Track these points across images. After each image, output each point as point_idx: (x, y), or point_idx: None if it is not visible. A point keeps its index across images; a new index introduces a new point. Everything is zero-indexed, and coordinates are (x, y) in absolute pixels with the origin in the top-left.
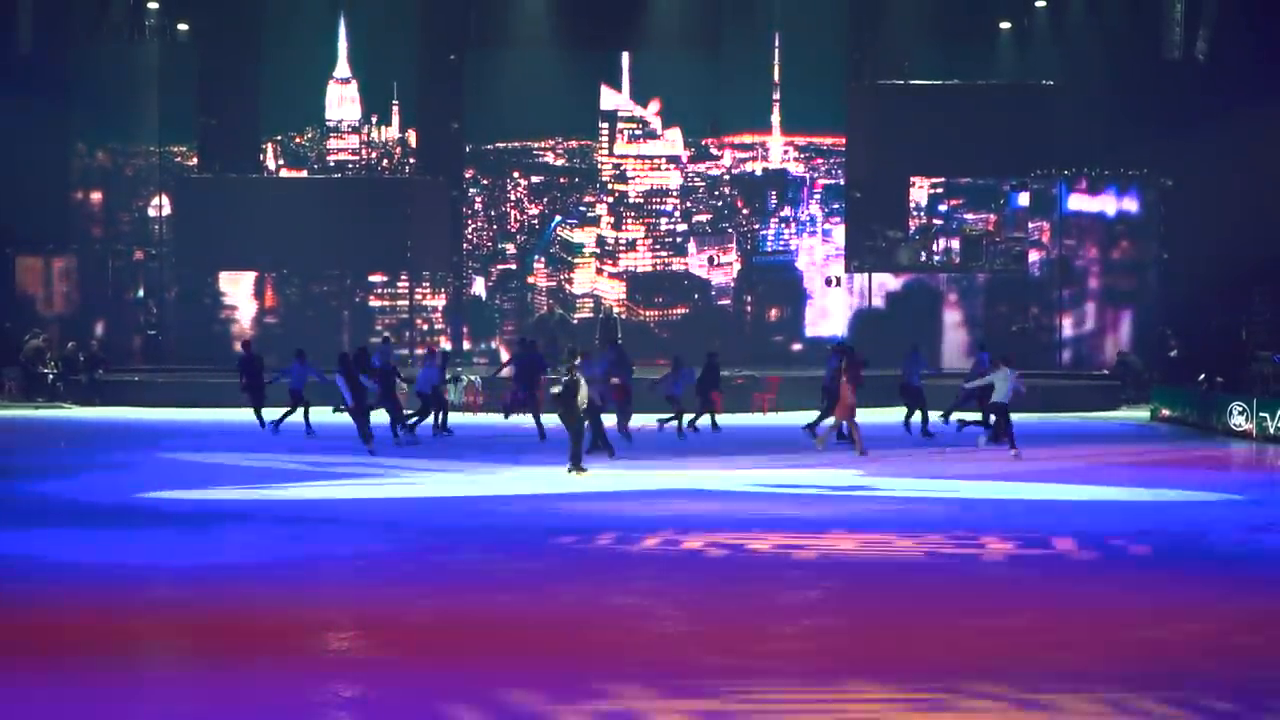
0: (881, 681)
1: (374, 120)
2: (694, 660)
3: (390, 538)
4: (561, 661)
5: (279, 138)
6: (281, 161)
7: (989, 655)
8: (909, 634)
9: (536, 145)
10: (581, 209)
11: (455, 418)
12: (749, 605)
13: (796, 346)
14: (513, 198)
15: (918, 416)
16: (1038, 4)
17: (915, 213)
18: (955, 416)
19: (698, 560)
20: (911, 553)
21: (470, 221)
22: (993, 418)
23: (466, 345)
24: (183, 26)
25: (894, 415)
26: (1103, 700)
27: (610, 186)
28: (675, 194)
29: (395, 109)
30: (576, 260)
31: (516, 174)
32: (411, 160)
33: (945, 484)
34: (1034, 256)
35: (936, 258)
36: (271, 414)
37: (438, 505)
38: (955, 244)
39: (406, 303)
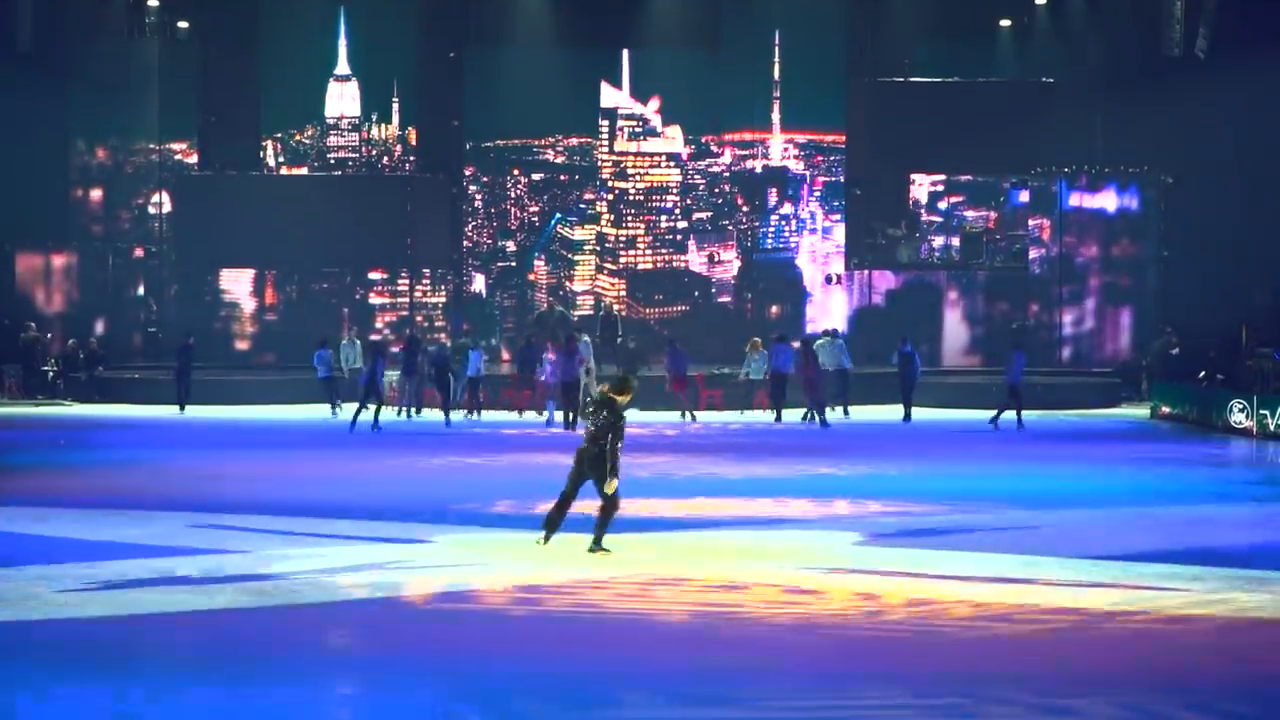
0: None
1: (374, 117)
2: None
3: None
4: None
5: (279, 135)
6: (282, 159)
7: None
8: None
9: (537, 143)
10: (581, 206)
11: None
12: None
13: (796, 344)
14: (513, 195)
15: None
16: (1038, 1)
17: (914, 208)
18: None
19: None
20: None
21: (470, 219)
22: None
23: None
24: (183, 24)
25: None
26: None
27: (610, 184)
28: (675, 191)
29: (395, 106)
30: (577, 258)
31: (516, 171)
32: (411, 158)
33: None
34: (1034, 254)
35: (936, 255)
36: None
37: None
38: (955, 241)
39: (407, 300)
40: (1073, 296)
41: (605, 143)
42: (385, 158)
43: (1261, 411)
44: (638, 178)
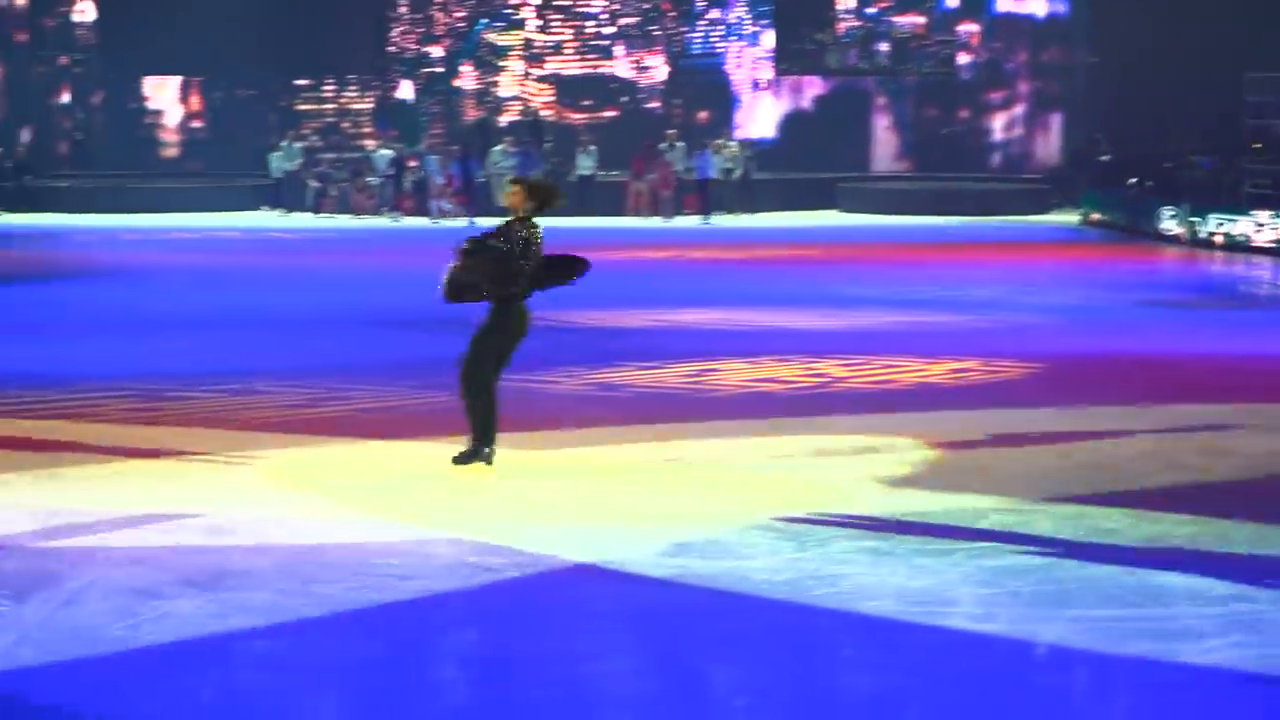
0: None
1: None
2: None
3: None
4: None
5: None
6: None
7: None
8: None
9: None
10: (507, 12)
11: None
12: None
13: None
14: (438, 0)
15: None
16: None
17: (843, 14)
18: None
19: None
20: None
21: (396, 24)
22: None
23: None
24: None
25: None
26: None
27: None
28: None
29: None
30: (503, 63)
31: None
32: None
33: None
34: (963, 59)
35: (865, 61)
36: None
37: None
38: (884, 47)
39: (334, 106)
40: (1002, 103)
41: None
42: None
43: (1192, 219)
44: None
